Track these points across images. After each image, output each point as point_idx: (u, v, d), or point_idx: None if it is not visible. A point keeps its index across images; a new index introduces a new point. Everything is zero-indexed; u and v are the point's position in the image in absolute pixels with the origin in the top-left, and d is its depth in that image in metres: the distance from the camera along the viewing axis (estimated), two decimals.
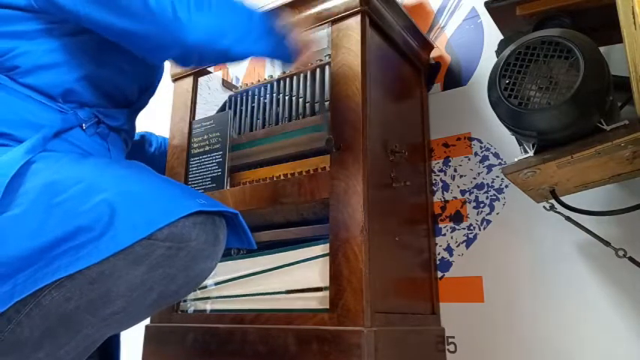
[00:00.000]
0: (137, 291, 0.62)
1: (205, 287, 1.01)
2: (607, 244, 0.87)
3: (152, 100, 1.03)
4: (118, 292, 0.61)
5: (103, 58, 0.81)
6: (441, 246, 1.12)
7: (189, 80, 1.14)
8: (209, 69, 1.18)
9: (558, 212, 0.89)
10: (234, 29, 0.76)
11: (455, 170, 1.14)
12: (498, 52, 0.88)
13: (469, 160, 1.13)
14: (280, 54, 0.82)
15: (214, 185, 1.03)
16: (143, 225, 0.61)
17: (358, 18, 0.93)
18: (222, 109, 1.15)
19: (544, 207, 0.91)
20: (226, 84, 1.25)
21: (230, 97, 1.13)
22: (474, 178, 1.11)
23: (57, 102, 0.78)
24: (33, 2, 0.75)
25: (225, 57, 0.78)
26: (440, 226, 1.13)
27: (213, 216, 0.67)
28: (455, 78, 1.19)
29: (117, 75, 0.85)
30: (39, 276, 0.58)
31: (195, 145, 1.09)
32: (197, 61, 0.79)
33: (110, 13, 0.71)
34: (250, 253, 0.97)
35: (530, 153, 0.76)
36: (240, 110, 1.10)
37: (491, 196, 1.09)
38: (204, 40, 0.73)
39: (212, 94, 1.19)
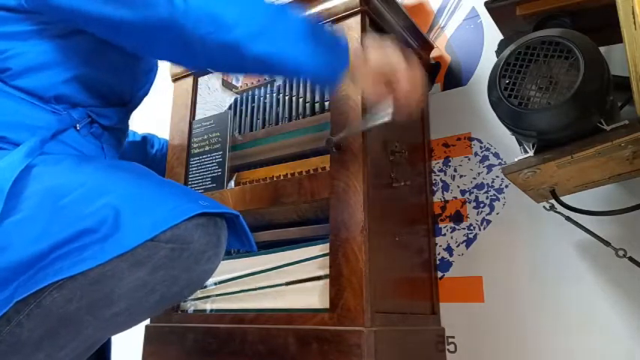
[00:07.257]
0: (139, 292, 0.62)
1: (205, 287, 1.01)
2: (607, 244, 0.87)
3: (152, 100, 1.03)
4: (120, 293, 0.61)
5: (96, 58, 0.80)
6: (441, 246, 1.12)
7: (189, 80, 1.14)
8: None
9: (558, 212, 0.89)
10: (248, 20, 0.68)
11: (455, 170, 1.14)
12: (498, 52, 0.88)
13: (469, 160, 1.13)
14: (330, 67, 0.70)
15: (214, 185, 1.03)
16: (148, 227, 0.61)
17: (358, 18, 0.93)
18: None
19: (544, 207, 0.91)
20: (226, 84, 1.24)
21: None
22: (474, 178, 1.11)
23: (50, 103, 0.77)
24: (23, 1, 0.73)
25: (238, 54, 0.69)
26: (440, 226, 1.13)
27: (215, 217, 0.67)
28: (455, 78, 1.19)
29: (110, 75, 0.84)
30: (40, 277, 0.58)
31: (195, 145, 1.09)
32: (204, 58, 0.72)
33: (102, 2, 0.68)
34: (250, 252, 0.97)
35: (530, 153, 0.76)
36: (241, 110, 1.10)
37: (491, 196, 1.09)
38: (203, 28, 0.67)
39: (212, 94, 1.19)
